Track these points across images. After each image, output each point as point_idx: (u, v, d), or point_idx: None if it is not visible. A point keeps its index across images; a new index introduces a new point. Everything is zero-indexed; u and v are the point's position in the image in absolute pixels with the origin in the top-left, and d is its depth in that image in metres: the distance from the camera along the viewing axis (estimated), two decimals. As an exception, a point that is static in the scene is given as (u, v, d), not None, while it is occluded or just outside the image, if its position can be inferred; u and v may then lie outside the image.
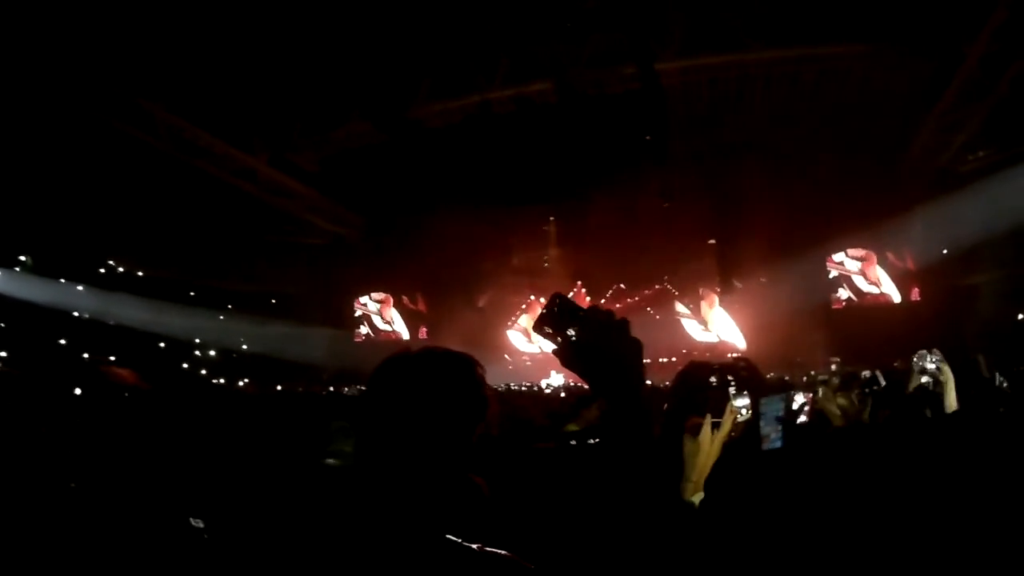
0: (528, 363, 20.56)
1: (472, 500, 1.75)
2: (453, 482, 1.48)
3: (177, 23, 10.63)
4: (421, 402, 1.43)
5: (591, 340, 1.28)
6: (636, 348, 1.29)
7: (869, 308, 15.14)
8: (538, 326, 1.30)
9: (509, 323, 21.40)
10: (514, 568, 1.30)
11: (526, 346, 21.08)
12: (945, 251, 13.36)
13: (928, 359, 4.37)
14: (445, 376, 1.49)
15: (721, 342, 18.41)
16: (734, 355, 5.02)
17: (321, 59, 12.21)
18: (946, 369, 4.19)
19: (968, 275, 12.91)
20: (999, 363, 5.97)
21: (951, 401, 3.99)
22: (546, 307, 1.30)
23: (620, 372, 1.29)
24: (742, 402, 2.96)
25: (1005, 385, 4.90)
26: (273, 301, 17.38)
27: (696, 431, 3.11)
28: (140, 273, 14.59)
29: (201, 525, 2.55)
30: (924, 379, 4.23)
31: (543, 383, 16.90)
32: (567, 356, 1.29)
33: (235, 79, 12.28)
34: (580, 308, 1.30)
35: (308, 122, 14.57)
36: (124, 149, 12.44)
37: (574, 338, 1.28)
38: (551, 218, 20.07)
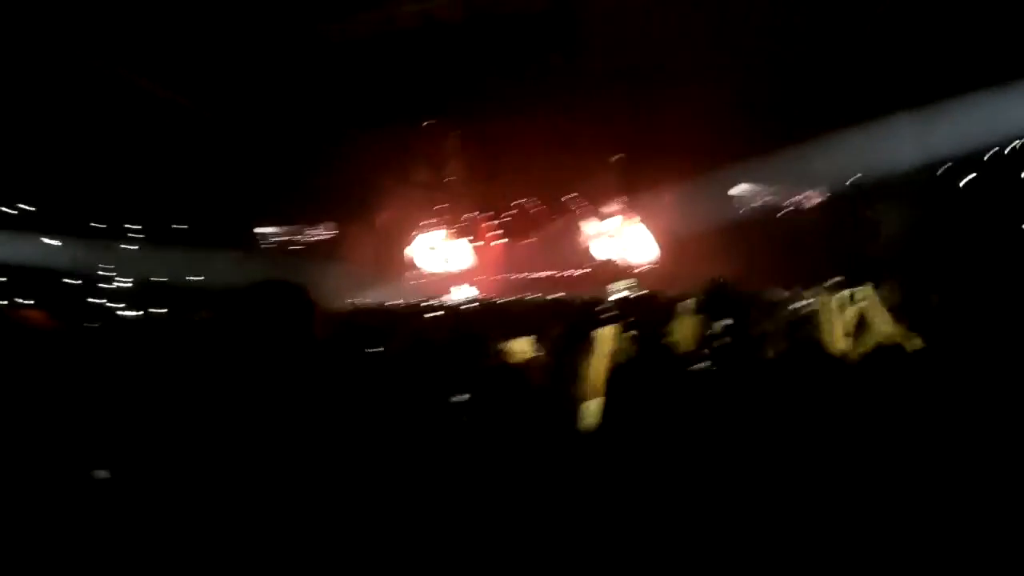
0: (427, 280, 20.55)
1: None
2: None
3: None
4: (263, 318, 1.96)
5: None
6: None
7: (783, 232, 15.82)
8: None
9: (408, 240, 21.14)
10: None
11: (426, 263, 20.96)
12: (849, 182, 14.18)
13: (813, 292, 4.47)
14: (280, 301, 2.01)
15: (631, 257, 18.87)
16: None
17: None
18: (828, 301, 4.17)
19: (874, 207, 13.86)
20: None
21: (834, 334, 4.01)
22: None
23: None
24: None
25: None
26: (173, 226, 16.42)
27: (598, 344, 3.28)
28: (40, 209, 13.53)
29: (106, 475, 2.48)
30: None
31: (444, 299, 17.07)
32: None
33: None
34: None
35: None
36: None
37: None
38: (453, 133, 19.59)
